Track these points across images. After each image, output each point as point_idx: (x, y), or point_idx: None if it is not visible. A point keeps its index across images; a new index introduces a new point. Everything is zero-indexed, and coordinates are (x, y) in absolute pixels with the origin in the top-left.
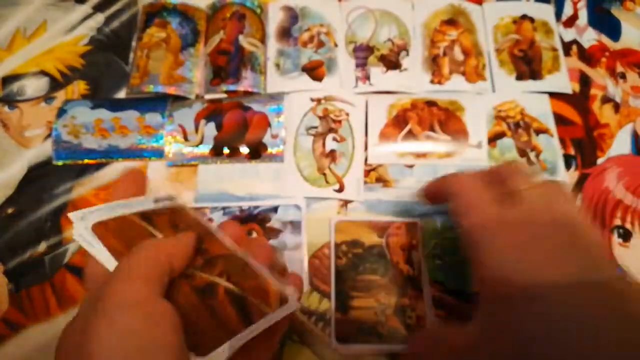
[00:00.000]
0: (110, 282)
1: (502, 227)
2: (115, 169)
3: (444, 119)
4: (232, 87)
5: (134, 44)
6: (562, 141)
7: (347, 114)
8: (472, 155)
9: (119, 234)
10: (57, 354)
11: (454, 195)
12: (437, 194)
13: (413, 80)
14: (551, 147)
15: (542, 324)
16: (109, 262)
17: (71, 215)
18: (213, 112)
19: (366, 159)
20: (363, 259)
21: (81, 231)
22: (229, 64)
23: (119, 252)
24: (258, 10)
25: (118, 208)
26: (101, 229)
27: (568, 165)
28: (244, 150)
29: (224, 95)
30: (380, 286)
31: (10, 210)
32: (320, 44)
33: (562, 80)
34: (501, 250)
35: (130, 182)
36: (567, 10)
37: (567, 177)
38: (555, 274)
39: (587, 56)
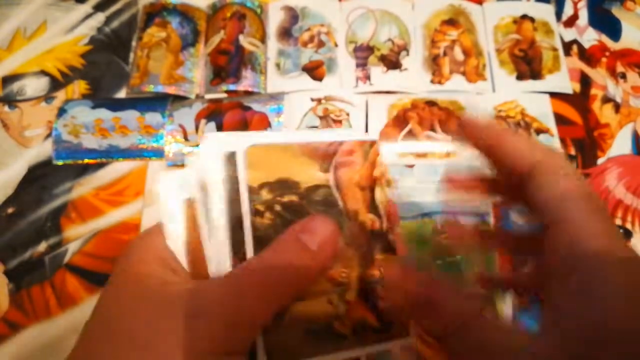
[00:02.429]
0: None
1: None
2: (116, 169)
3: (445, 118)
4: (232, 87)
5: (134, 43)
6: (563, 141)
7: (348, 114)
8: (473, 155)
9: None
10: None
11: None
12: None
13: (413, 80)
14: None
15: None
16: (176, 240)
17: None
18: (213, 112)
19: None
20: (299, 211)
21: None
22: (229, 63)
23: (192, 242)
24: (258, 10)
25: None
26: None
27: None
28: None
29: (224, 95)
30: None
31: (10, 210)
32: (321, 44)
33: (562, 80)
34: None
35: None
36: (568, 10)
37: None
38: None
39: (588, 56)
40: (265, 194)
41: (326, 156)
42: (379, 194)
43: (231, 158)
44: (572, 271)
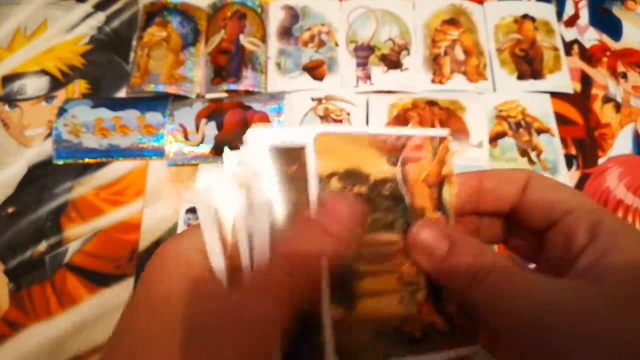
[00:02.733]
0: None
1: None
2: (116, 168)
3: (445, 118)
4: (232, 87)
5: (134, 43)
6: (563, 141)
7: (348, 114)
8: (473, 154)
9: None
10: None
11: None
12: None
13: (414, 80)
14: (552, 147)
15: None
16: (214, 249)
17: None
18: (214, 112)
19: None
20: (368, 202)
21: (208, 204)
22: (229, 63)
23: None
24: (259, 10)
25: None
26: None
27: (569, 165)
28: None
29: (225, 95)
30: (401, 251)
31: (10, 210)
32: (321, 44)
33: (563, 80)
34: None
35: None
36: (569, 10)
37: (568, 177)
38: None
39: (588, 56)
40: (335, 184)
41: (394, 149)
42: (446, 192)
43: (288, 152)
44: (597, 235)
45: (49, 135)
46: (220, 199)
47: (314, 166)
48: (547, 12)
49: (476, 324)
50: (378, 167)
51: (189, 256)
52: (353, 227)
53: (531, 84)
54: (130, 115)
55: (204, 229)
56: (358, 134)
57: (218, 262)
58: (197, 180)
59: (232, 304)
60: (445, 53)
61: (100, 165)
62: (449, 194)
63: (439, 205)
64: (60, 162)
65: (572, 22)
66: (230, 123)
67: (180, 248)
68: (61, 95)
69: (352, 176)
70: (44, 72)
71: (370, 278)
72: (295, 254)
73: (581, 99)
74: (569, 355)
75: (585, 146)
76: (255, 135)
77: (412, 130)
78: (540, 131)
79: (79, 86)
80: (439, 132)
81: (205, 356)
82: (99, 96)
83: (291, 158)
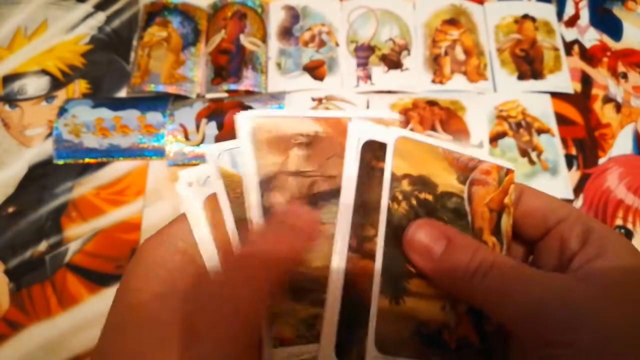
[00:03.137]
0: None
1: None
2: (116, 168)
3: (445, 118)
4: (233, 87)
5: (135, 43)
6: (564, 141)
7: None
8: None
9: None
10: None
11: None
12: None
13: (414, 80)
14: (553, 147)
15: None
16: (206, 246)
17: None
18: (214, 112)
19: None
20: (432, 210)
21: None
22: (230, 63)
23: (220, 235)
24: (259, 10)
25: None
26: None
27: (569, 165)
28: None
29: (225, 95)
30: None
31: (11, 209)
32: (322, 44)
33: (563, 80)
34: None
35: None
36: (569, 10)
37: (568, 177)
38: None
39: (589, 56)
40: (406, 185)
41: (465, 169)
42: (504, 221)
43: (373, 147)
44: (588, 240)
45: (50, 135)
46: (206, 193)
47: (390, 164)
48: (547, 12)
49: (508, 350)
50: (447, 181)
51: (168, 255)
52: (314, 233)
53: (531, 84)
54: (131, 115)
55: (193, 226)
56: (435, 146)
57: (211, 258)
58: (180, 176)
59: (213, 297)
60: (446, 53)
61: (100, 165)
62: (506, 223)
63: (496, 230)
64: (61, 162)
65: (572, 22)
66: (230, 123)
67: (158, 248)
68: (61, 95)
69: (422, 182)
70: (45, 72)
71: (420, 280)
72: (267, 252)
73: (581, 99)
74: (562, 343)
75: (585, 146)
76: (243, 124)
77: (484, 156)
78: (540, 131)
79: (80, 86)
80: (507, 164)
81: (200, 354)
82: (100, 96)
83: (375, 153)
